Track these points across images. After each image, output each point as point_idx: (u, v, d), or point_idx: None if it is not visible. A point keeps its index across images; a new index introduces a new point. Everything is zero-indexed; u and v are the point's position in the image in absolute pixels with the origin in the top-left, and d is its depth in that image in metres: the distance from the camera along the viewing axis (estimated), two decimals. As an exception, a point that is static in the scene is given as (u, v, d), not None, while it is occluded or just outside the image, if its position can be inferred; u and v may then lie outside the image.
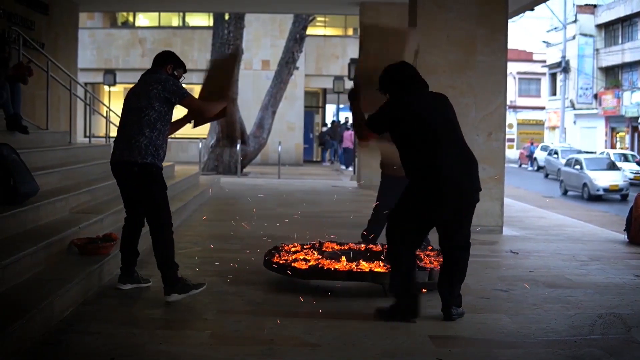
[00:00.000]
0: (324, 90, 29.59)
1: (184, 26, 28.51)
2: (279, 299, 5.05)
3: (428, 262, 5.48)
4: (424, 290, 4.94)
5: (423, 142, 4.39)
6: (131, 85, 5.16)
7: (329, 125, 28.12)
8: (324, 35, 28.78)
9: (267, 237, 7.17)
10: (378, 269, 5.23)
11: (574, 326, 4.54)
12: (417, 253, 5.73)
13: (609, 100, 36.94)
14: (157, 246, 5.00)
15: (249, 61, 25.28)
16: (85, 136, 18.50)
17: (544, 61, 44.87)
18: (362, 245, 6.07)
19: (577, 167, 22.50)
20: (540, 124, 46.76)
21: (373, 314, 4.59)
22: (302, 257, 5.55)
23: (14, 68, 7.98)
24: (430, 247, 5.99)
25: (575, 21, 39.07)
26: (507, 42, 8.76)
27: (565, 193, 22.54)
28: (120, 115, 5.06)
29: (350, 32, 28.96)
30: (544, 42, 43.85)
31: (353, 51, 23.17)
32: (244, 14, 19.23)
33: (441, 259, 5.54)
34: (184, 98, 4.94)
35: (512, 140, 44.71)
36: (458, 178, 4.39)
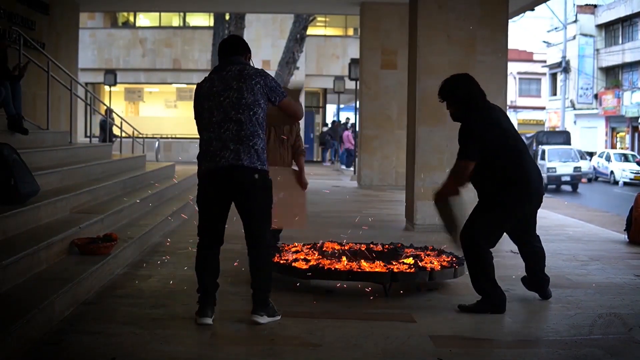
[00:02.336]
0: (325, 90, 29.60)
1: (185, 26, 28.53)
2: (280, 299, 5.04)
3: (428, 262, 5.48)
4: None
5: (511, 152, 4.69)
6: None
7: (330, 125, 28.12)
8: (325, 35, 28.80)
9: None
10: (378, 269, 5.23)
11: (574, 326, 4.54)
12: (418, 253, 5.75)
13: (609, 100, 36.94)
14: (260, 263, 4.37)
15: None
16: (85, 136, 18.54)
17: (545, 61, 44.88)
18: (363, 245, 6.08)
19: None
20: (540, 124, 46.75)
21: (458, 308, 4.78)
22: (302, 257, 5.55)
23: (14, 69, 7.98)
24: (430, 247, 5.99)
25: (575, 21, 39.07)
26: (507, 42, 8.76)
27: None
28: (200, 111, 4.32)
29: (350, 32, 28.98)
30: (545, 42, 43.86)
31: (353, 51, 23.16)
32: (245, 14, 19.24)
33: (442, 259, 5.56)
34: (284, 97, 4.40)
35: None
36: (539, 182, 4.84)
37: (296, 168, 6.28)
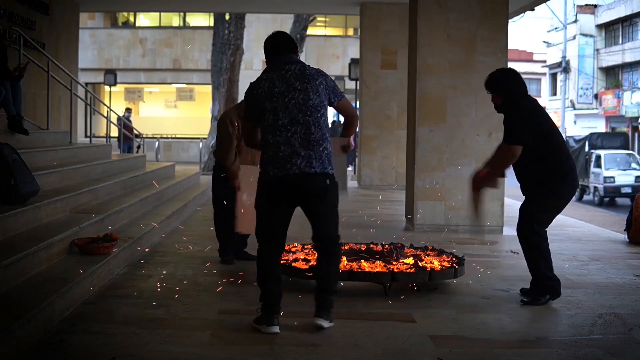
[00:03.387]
0: (325, 90, 29.56)
1: (185, 26, 28.54)
2: (280, 298, 5.04)
3: (428, 262, 5.48)
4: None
5: (560, 142, 4.95)
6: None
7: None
8: (325, 35, 28.81)
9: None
10: (378, 269, 5.24)
11: (574, 326, 4.54)
12: (418, 253, 5.75)
13: (609, 100, 36.92)
14: (332, 265, 4.30)
15: (249, 61, 25.29)
16: (85, 136, 18.54)
17: (545, 61, 44.85)
18: (363, 245, 6.08)
19: None
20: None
21: (520, 303, 4.98)
22: (302, 257, 5.55)
23: (14, 70, 7.97)
24: (430, 247, 5.99)
25: (575, 21, 39.04)
26: (507, 42, 8.76)
27: None
28: (259, 111, 4.16)
29: (350, 32, 28.99)
30: (545, 42, 43.82)
31: (353, 51, 23.16)
32: (245, 14, 19.23)
33: (442, 259, 5.57)
34: (343, 98, 4.29)
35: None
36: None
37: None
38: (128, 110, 19.75)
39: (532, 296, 5.04)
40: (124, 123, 17.61)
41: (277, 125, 4.06)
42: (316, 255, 5.61)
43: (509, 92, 4.95)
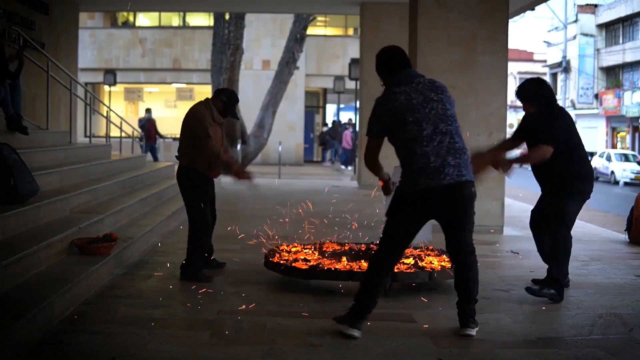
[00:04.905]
0: (325, 90, 29.60)
1: (185, 26, 28.53)
2: (280, 299, 5.05)
3: (428, 262, 5.48)
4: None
5: (582, 147, 5.38)
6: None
7: (330, 125, 28.12)
8: (325, 35, 28.80)
9: (267, 237, 7.17)
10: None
11: (574, 326, 4.54)
12: (418, 253, 5.76)
13: (609, 100, 36.92)
14: (474, 273, 4.33)
15: (249, 61, 25.28)
16: (85, 136, 18.52)
17: (545, 61, 44.85)
18: (363, 245, 6.07)
19: None
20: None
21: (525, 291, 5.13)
22: (302, 257, 5.55)
23: (10, 60, 7.94)
24: (430, 247, 5.99)
25: (576, 21, 39.04)
26: (507, 41, 8.75)
27: None
28: (400, 124, 4.13)
29: (350, 32, 28.97)
30: (545, 42, 43.83)
31: (353, 51, 23.16)
32: (245, 13, 19.22)
33: (442, 259, 5.57)
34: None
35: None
36: None
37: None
38: (148, 110, 19.44)
39: (539, 286, 5.20)
40: (145, 124, 17.75)
41: (422, 136, 4.08)
42: (316, 255, 5.63)
43: (543, 100, 5.28)
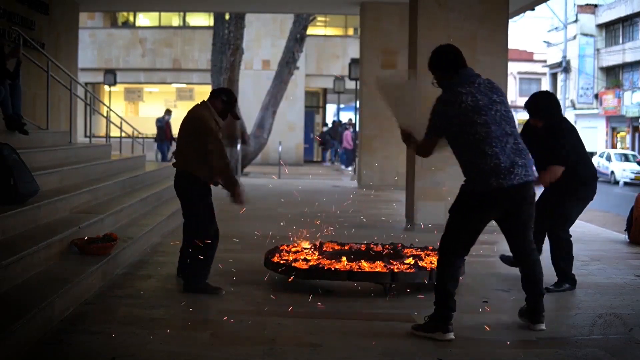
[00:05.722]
0: (325, 90, 29.59)
1: (185, 26, 28.52)
2: (280, 299, 5.04)
3: (428, 262, 5.48)
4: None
5: (586, 155, 5.61)
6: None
7: (330, 125, 28.12)
8: (325, 35, 28.79)
9: (267, 237, 7.17)
10: (378, 269, 5.23)
11: (574, 326, 4.54)
12: (418, 253, 5.76)
13: (609, 100, 36.92)
14: (540, 270, 4.48)
15: (249, 61, 25.28)
16: (85, 136, 18.53)
17: (545, 61, 44.83)
18: (363, 245, 6.07)
19: None
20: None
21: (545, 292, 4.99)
22: (302, 257, 5.55)
23: (7, 57, 7.93)
24: (430, 247, 5.99)
25: (576, 21, 39.03)
26: (507, 42, 8.75)
27: None
28: (468, 125, 4.17)
29: (350, 32, 28.96)
30: (545, 42, 43.81)
31: (353, 51, 23.15)
32: (245, 13, 19.22)
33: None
34: None
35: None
36: None
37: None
38: (169, 112, 19.25)
39: (554, 285, 5.48)
40: (163, 125, 17.82)
41: (490, 137, 4.14)
42: (316, 255, 5.62)
43: (552, 116, 5.45)
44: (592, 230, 9.43)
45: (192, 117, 5.33)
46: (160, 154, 19.80)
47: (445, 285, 4.27)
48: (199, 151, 5.20)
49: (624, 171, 25.86)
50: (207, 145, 5.13)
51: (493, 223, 4.46)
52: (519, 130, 5.95)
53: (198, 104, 5.46)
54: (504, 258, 6.09)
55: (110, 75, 22.89)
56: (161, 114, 20.84)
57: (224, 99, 5.43)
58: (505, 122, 4.19)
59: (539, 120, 5.50)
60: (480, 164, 4.15)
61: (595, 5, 38.85)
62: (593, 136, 38.67)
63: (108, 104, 15.88)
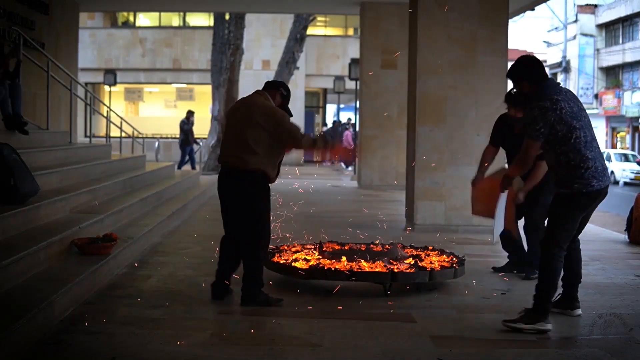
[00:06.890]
0: (325, 90, 29.60)
1: (185, 26, 28.52)
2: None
3: (428, 262, 5.48)
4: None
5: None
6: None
7: (330, 125, 28.12)
8: (325, 35, 28.80)
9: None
10: (378, 269, 5.23)
11: (574, 326, 4.54)
12: (418, 253, 5.75)
13: (609, 100, 36.93)
14: (580, 262, 4.89)
15: (249, 61, 25.29)
16: (85, 136, 18.54)
17: (545, 61, 44.79)
18: (362, 245, 6.07)
19: None
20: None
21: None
22: (302, 257, 5.55)
23: (5, 58, 7.94)
24: (430, 247, 5.99)
25: (575, 21, 39.04)
26: (507, 42, 8.76)
27: None
28: (567, 129, 4.37)
29: (350, 32, 28.97)
30: (545, 42, 43.82)
31: (353, 51, 23.15)
32: (245, 13, 19.23)
33: (442, 259, 5.57)
34: None
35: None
36: None
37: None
38: (191, 112, 18.65)
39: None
40: (190, 128, 17.73)
41: (587, 142, 4.43)
42: (316, 255, 5.61)
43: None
44: (592, 230, 9.42)
45: (256, 106, 4.75)
46: (190, 160, 18.17)
47: (555, 280, 4.49)
48: (274, 147, 4.73)
49: (623, 171, 25.85)
50: (284, 136, 4.67)
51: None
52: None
53: (257, 94, 4.89)
54: (497, 269, 6.13)
55: (110, 75, 22.89)
56: (161, 113, 20.83)
57: (283, 93, 4.93)
58: (591, 129, 4.51)
59: (517, 110, 5.49)
60: (580, 167, 4.41)
61: (595, 5, 38.86)
62: (593, 136, 38.61)
63: (108, 104, 15.88)
